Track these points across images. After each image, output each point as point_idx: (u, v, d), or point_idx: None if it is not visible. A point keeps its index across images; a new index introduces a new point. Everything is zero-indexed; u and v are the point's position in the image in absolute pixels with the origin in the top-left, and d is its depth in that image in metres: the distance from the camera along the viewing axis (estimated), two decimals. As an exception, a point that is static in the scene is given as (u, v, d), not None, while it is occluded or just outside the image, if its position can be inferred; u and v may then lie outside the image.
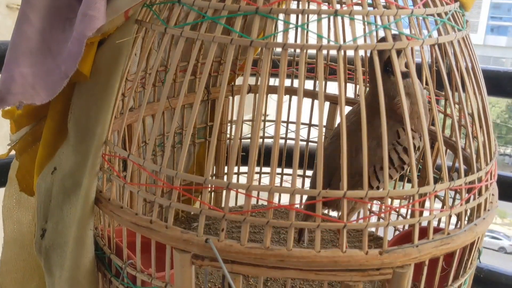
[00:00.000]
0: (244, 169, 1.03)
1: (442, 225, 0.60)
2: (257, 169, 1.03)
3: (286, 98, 0.98)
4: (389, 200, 0.54)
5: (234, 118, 1.04)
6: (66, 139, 0.63)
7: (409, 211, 0.79)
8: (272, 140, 1.05)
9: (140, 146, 0.86)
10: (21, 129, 0.64)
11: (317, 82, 0.99)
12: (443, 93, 0.82)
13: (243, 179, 1.04)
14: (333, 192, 0.51)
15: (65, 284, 0.63)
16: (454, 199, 0.74)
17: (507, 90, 0.90)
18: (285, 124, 1.02)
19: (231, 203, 1.00)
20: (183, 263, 0.54)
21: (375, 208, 0.91)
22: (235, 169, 1.02)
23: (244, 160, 1.03)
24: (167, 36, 0.56)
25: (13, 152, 0.69)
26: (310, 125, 1.01)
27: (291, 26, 0.52)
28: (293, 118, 1.03)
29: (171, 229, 0.54)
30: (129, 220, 0.57)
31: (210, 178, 0.53)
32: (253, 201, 0.96)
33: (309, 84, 1.00)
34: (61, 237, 0.65)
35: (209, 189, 0.92)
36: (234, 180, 1.01)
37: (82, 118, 0.61)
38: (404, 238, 0.74)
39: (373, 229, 0.95)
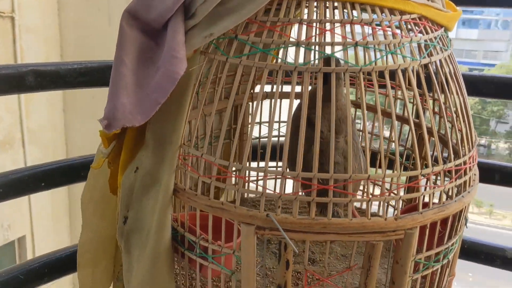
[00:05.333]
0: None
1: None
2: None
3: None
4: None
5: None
6: (144, 145, 0.80)
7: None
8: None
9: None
10: (111, 143, 0.81)
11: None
12: (431, 95, 1.01)
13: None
14: (359, 175, 0.70)
15: (147, 259, 0.81)
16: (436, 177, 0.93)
17: (482, 91, 1.11)
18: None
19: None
20: (248, 234, 0.72)
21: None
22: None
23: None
24: (227, 64, 0.74)
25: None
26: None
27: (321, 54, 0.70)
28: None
29: (239, 208, 0.72)
30: (204, 203, 0.74)
31: (269, 168, 0.71)
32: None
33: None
34: (140, 223, 0.82)
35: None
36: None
37: (159, 128, 0.78)
38: (406, 211, 0.93)
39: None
